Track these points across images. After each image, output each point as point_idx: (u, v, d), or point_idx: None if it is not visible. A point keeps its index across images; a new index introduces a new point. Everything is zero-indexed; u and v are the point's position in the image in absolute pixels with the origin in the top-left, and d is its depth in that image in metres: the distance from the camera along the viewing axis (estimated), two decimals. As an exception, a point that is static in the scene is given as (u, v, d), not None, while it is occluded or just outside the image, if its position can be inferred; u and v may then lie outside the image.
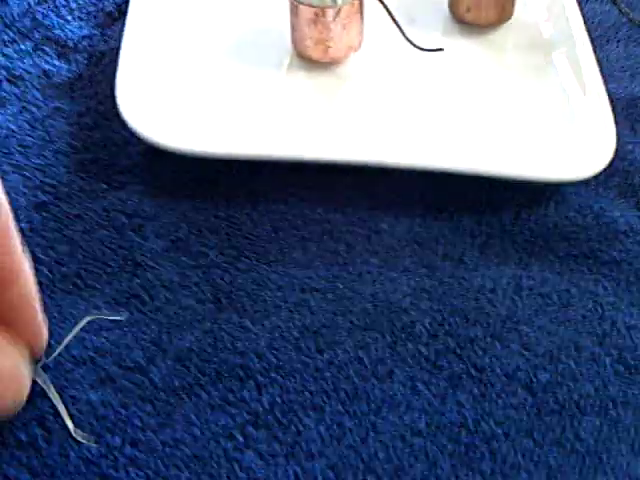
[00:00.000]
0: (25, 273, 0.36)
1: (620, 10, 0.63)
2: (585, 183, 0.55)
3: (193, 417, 0.43)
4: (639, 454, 0.44)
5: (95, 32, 0.62)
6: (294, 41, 0.58)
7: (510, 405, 0.45)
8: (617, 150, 0.56)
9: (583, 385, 0.46)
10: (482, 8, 0.62)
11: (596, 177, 0.55)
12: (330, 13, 0.55)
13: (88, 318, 0.43)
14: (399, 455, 0.43)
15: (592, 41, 0.62)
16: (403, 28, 0.60)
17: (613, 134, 0.54)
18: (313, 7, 0.55)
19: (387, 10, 0.58)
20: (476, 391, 0.46)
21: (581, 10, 0.64)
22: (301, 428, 0.43)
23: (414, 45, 0.59)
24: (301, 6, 0.56)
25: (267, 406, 0.44)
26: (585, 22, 0.63)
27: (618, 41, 0.66)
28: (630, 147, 0.58)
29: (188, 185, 0.52)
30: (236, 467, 0.42)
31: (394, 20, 0.59)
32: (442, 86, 0.58)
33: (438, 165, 0.52)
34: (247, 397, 0.44)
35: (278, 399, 0.44)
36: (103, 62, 0.60)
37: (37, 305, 0.38)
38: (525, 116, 0.57)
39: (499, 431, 0.44)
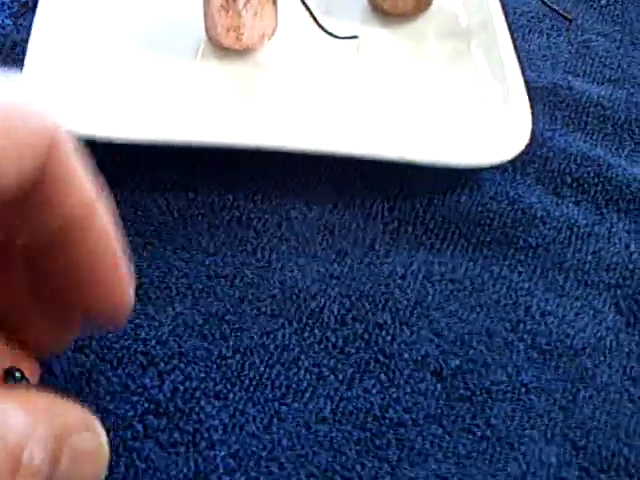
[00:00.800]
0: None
1: (548, 5, 0.63)
2: (502, 170, 0.55)
3: (92, 406, 0.42)
4: (551, 441, 0.43)
5: (8, 22, 0.60)
6: (207, 29, 0.57)
7: (418, 391, 0.44)
8: (536, 137, 0.55)
9: (495, 371, 0.46)
10: (401, -2, 0.61)
11: (514, 164, 0.55)
12: (240, 1, 0.54)
13: None
14: (303, 443, 0.42)
15: (515, 31, 0.62)
16: (319, 17, 0.59)
17: (528, 120, 0.54)
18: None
19: (301, -2, 0.57)
20: (383, 377, 0.45)
21: (504, 0, 0.63)
22: (202, 416, 0.42)
23: (328, 33, 0.58)
24: (212, -9, 0.55)
25: (168, 394, 0.43)
26: (508, 13, 0.63)
27: (540, 31, 0.66)
28: (549, 134, 0.57)
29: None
30: (134, 457, 0.40)
31: (306, 7, 0.58)
32: (358, 74, 0.58)
33: (350, 151, 0.51)
34: (148, 384, 0.43)
35: (180, 387, 0.43)
36: (16, 51, 0.58)
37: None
38: (440, 103, 0.57)
39: (406, 417, 0.43)
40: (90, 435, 0.31)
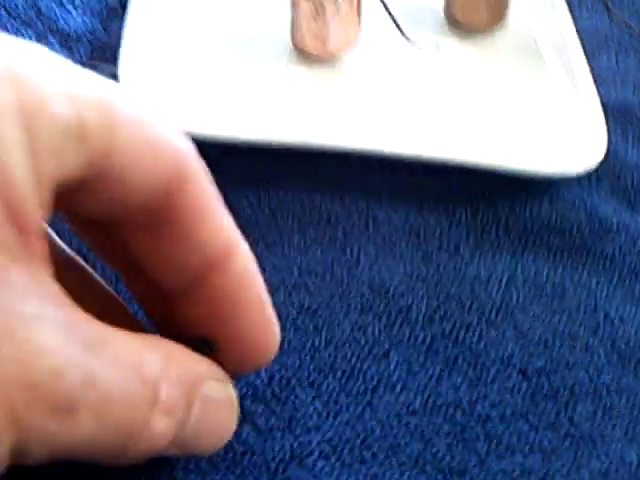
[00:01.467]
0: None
1: (611, 18, 0.64)
2: (578, 182, 0.56)
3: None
4: (632, 439, 0.45)
5: (98, 25, 0.62)
6: (293, 35, 0.59)
7: (505, 389, 0.46)
8: (609, 153, 0.57)
9: (577, 372, 0.47)
10: (473, 11, 0.62)
11: (589, 177, 0.56)
12: (329, 9, 0.56)
13: None
14: (395, 432, 0.43)
15: (585, 50, 0.63)
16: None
17: (604, 133, 0.55)
18: (312, 2, 0.56)
19: (386, 8, 0.59)
20: (471, 374, 0.46)
21: (574, 20, 0.65)
22: (298, 403, 0.43)
23: (411, 42, 0.60)
24: (301, 1, 0.57)
25: (266, 380, 0.44)
26: (579, 31, 0.64)
27: (609, 50, 0.67)
28: (622, 151, 0.59)
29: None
30: (233, 439, 0.41)
31: (392, 18, 0.60)
32: (438, 83, 0.59)
33: (436, 157, 0.53)
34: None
35: (276, 374, 0.44)
36: (106, 55, 0.60)
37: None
38: (519, 114, 0.58)
39: (494, 413, 0.45)
40: (220, 385, 0.31)
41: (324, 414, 0.43)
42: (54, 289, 0.25)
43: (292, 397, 0.44)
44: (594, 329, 0.49)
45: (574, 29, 0.63)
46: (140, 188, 0.28)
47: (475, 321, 0.48)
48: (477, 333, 0.48)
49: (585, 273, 0.51)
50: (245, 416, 0.42)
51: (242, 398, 0.43)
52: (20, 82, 0.24)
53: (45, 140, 0.24)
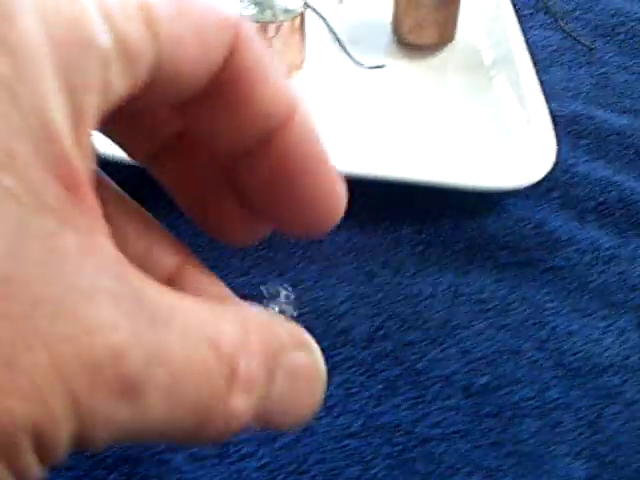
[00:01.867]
0: None
1: (565, 30, 0.64)
2: (527, 196, 0.55)
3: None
4: (579, 455, 0.44)
5: None
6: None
7: (447, 407, 0.45)
8: (559, 164, 0.56)
9: (522, 388, 0.46)
10: (423, 29, 0.62)
11: (538, 190, 0.56)
12: (271, 29, 0.56)
13: None
14: (333, 456, 0.42)
15: (537, 64, 0.63)
16: (349, 48, 0.61)
17: (553, 145, 0.55)
18: (254, 22, 0.56)
19: (329, 27, 0.59)
20: (413, 394, 0.45)
21: (526, 35, 0.64)
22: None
23: (356, 62, 0.59)
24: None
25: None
26: (530, 46, 0.64)
27: (561, 64, 0.67)
28: (572, 161, 0.58)
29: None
30: (166, 468, 0.41)
31: (336, 37, 0.59)
32: (385, 102, 0.59)
33: (378, 174, 0.52)
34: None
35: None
36: None
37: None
38: (466, 130, 0.58)
39: (435, 432, 0.44)
40: (305, 354, 0.28)
41: (260, 440, 0.42)
42: (112, 254, 0.22)
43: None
44: (540, 344, 0.48)
45: (524, 44, 0.63)
46: (194, 74, 0.26)
47: (417, 339, 0.47)
48: (419, 352, 0.47)
49: (532, 287, 0.51)
50: (178, 445, 0.42)
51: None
52: (43, 6, 0.21)
53: (84, 76, 0.22)
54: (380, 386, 0.45)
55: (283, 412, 0.26)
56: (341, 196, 0.29)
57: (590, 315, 0.50)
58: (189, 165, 0.30)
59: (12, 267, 0.20)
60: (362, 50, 0.63)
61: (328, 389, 0.43)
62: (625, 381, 0.47)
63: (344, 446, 0.43)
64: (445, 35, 0.63)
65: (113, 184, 0.30)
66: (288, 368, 0.26)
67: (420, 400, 0.45)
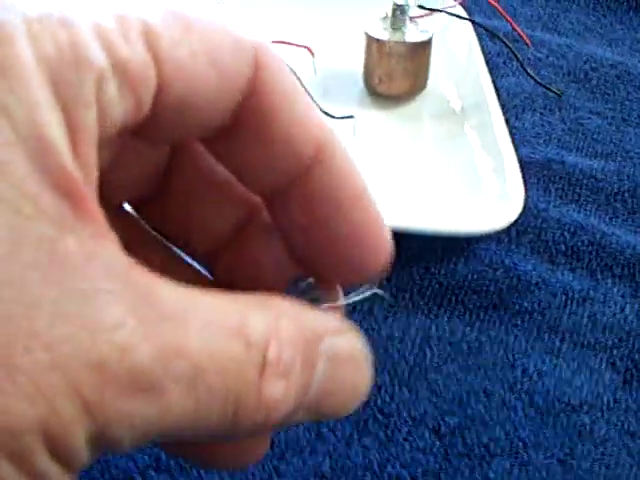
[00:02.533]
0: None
1: (533, 78, 0.65)
2: (498, 241, 0.56)
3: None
4: (550, 494, 0.44)
5: None
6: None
7: (417, 448, 0.45)
8: (530, 209, 0.57)
9: (493, 428, 0.46)
10: (394, 79, 0.63)
11: (509, 235, 0.56)
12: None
13: None
14: (302, 498, 0.42)
15: (509, 110, 0.64)
16: (316, 99, 0.61)
17: (521, 191, 0.56)
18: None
19: (297, 78, 0.59)
20: (382, 435, 0.45)
21: (499, 82, 0.66)
22: (202, 473, 0.43)
23: (325, 113, 0.60)
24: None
25: (169, 452, 0.43)
26: (502, 94, 0.65)
27: (534, 110, 0.68)
28: (543, 206, 0.59)
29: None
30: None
31: (304, 88, 0.60)
32: (355, 153, 0.59)
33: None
34: (150, 442, 0.43)
35: (181, 445, 0.44)
36: None
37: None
38: (436, 177, 0.58)
39: (405, 473, 0.44)
40: (346, 339, 0.27)
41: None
42: (116, 257, 0.22)
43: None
44: (511, 385, 0.48)
45: (493, 92, 0.64)
46: (212, 101, 0.25)
47: (387, 381, 0.48)
48: (389, 393, 0.47)
49: (502, 329, 0.51)
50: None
51: (146, 468, 0.42)
52: (37, 32, 0.21)
53: (77, 92, 0.21)
54: (350, 428, 0.45)
55: (330, 399, 0.26)
56: (385, 235, 0.28)
57: (561, 356, 0.50)
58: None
59: (7, 271, 0.19)
60: (333, 101, 0.64)
61: (297, 431, 0.43)
62: (596, 420, 0.47)
63: (313, 488, 0.43)
64: (416, 85, 0.64)
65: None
66: (329, 354, 0.25)
67: (390, 441, 0.45)
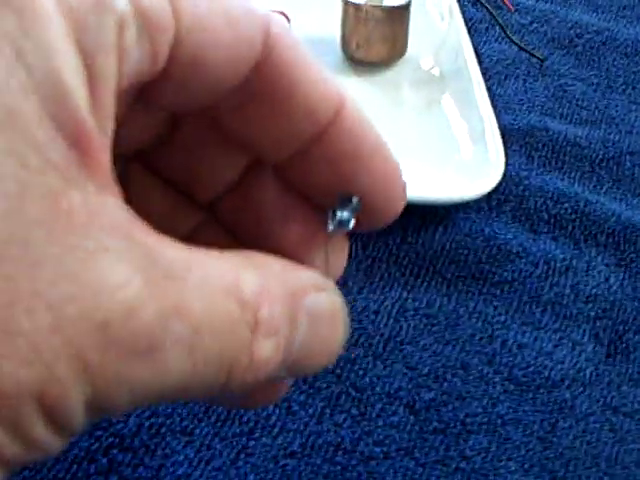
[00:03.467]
0: None
1: (515, 43, 0.63)
2: (478, 209, 0.54)
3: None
4: (529, 471, 0.42)
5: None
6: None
7: (390, 424, 0.43)
8: (512, 177, 0.55)
9: (470, 404, 0.45)
10: (371, 45, 0.61)
11: (489, 203, 0.54)
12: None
13: None
14: (271, 477, 0.41)
15: (491, 77, 0.62)
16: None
17: (501, 158, 0.54)
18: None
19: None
20: (355, 411, 0.44)
21: (481, 49, 0.64)
22: (168, 451, 0.41)
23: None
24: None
25: (134, 429, 0.42)
26: (484, 60, 0.63)
27: (517, 77, 0.66)
28: (525, 173, 0.57)
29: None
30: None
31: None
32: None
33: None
34: (113, 419, 0.42)
35: (146, 422, 0.42)
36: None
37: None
38: (415, 145, 0.57)
39: (378, 451, 0.42)
40: (326, 295, 0.27)
41: (195, 461, 0.41)
42: (121, 214, 0.21)
43: (162, 445, 0.41)
44: (489, 358, 0.47)
45: (474, 58, 0.62)
46: (227, 62, 0.24)
47: (361, 355, 0.46)
48: (363, 368, 0.45)
49: (481, 301, 0.49)
50: (111, 466, 0.40)
51: (108, 447, 0.41)
52: None
53: (98, 37, 0.21)
54: (321, 404, 0.44)
55: (308, 356, 0.26)
56: (402, 183, 0.29)
57: (542, 328, 0.49)
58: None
59: (11, 228, 0.19)
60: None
61: (267, 408, 0.42)
62: (577, 395, 0.46)
63: (283, 466, 0.41)
64: (394, 51, 0.62)
65: None
66: (310, 310, 0.25)
67: (362, 418, 0.43)
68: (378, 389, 0.45)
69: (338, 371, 0.45)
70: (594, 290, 0.51)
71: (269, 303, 0.23)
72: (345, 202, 0.28)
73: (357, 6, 0.61)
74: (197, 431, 0.42)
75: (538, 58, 0.65)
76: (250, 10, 0.25)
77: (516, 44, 0.64)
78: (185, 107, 0.26)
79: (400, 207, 0.29)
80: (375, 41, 0.61)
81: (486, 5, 0.64)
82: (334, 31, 0.64)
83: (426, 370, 0.46)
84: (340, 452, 0.42)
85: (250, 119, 0.27)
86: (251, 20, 0.24)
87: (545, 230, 0.54)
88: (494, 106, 0.60)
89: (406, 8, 0.61)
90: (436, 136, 0.57)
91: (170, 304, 0.21)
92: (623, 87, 0.66)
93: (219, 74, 0.24)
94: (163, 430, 0.42)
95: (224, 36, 0.24)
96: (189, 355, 0.21)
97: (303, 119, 0.26)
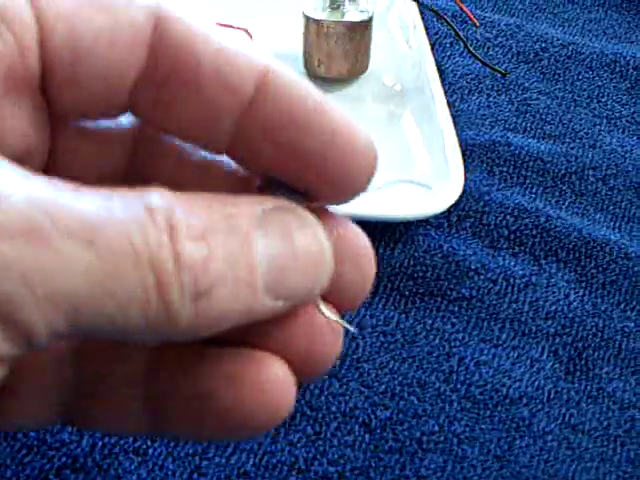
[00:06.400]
0: None
1: (476, 57, 0.63)
2: (437, 226, 0.54)
3: (7, 460, 0.41)
4: (485, 490, 0.42)
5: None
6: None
7: (345, 443, 0.43)
8: (472, 192, 0.55)
9: (426, 422, 0.44)
10: (333, 61, 0.61)
11: (449, 219, 0.54)
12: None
13: None
14: (223, 497, 0.41)
15: (454, 92, 0.62)
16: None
17: (460, 175, 0.54)
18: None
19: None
20: (310, 430, 0.43)
21: (444, 64, 0.64)
22: (120, 472, 0.41)
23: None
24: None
25: (87, 449, 0.41)
26: (447, 75, 0.63)
27: (480, 92, 0.66)
28: (486, 189, 0.57)
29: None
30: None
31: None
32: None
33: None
34: (66, 439, 0.41)
35: (99, 442, 0.42)
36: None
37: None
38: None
39: (332, 470, 0.42)
40: (294, 214, 0.25)
41: (147, 481, 0.41)
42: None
43: (115, 465, 0.41)
44: (446, 376, 0.46)
45: (435, 73, 0.62)
46: (111, 52, 0.24)
47: (317, 374, 0.46)
48: (318, 387, 0.45)
49: (439, 318, 0.49)
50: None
51: (61, 468, 0.41)
52: None
53: None
54: (276, 424, 0.43)
55: (290, 276, 0.24)
56: (362, 136, 0.27)
57: (500, 345, 0.48)
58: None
59: None
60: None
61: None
62: (535, 413, 0.45)
63: (235, 487, 0.41)
64: (356, 67, 0.62)
65: None
66: (275, 229, 0.24)
67: (317, 437, 0.43)
68: (334, 408, 0.44)
69: (294, 390, 0.45)
70: (554, 306, 0.51)
71: (184, 210, 0.22)
72: (277, 185, 0.26)
73: (318, 22, 0.60)
74: (150, 451, 0.42)
75: (500, 72, 0.65)
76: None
77: (478, 59, 0.64)
78: (97, 101, 0.25)
79: (365, 175, 0.27)
80: (336, 57, 0.61)
81: (446, 19, 0.64)
82: (297, 47, 0.63)
83: (382, 388, 0.45)
84: (294, 472, 0.42)
85: (171, 108, 0.25)
86: (130, 5, 0.24)
87: (505, 246, 0.54)
88: (456, 121, 0.60)
89: (368, 23, 0.61)
90: (396, 152, 0.57)
91: (53, 200, 0.20)
92: (587, 101, 0.66)
93: (107, 63, 0.24)
94: (116, 450, 0.42)
95: (98, 23, 0.23)
96: (89, 248, 0.20)
97: (219, 95, 0.25)
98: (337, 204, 0.28)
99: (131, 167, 0.28)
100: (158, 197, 0.22)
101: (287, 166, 0.26)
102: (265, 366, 0.25)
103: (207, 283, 0.22)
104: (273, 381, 0.25)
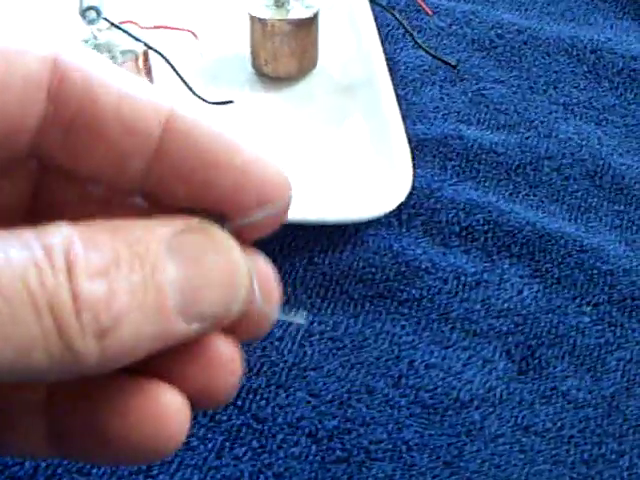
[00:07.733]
0: None
1: (424, 49, 0.62)
2: (387, 225, 0.53)
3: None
4: (434, 497, 0.42)
5: None
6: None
7: (291, 455, 0.42)
8: (423, 189, 0.54)
9: (374, 430, 0.44)
10: (280, 60, 0.60)
11: (399, 218, 0.53)
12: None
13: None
14: (167, 516, 0.40)
15: (407, 85, 0.61)
16: (205, 84, 0.59)
17: (409, 172, 0.53)
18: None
19: (170, 65, 0.56)
20: (255, 443, 0.43)
21: (397, 56, 0.63)
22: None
23: (201, 99, 0.57)
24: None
25: (30, 471, 0.41)
26: (399, 68, 0.62)
27: (433, 84, 0.65)
28: (437, 185, 0.56)
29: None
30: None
31: (178, 75, 0.57)
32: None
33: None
34: (9, 462, 0.41)
35: (42, 464, 0.41)
36: None
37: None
38: (322, 161, 0.56)
39: (278, 483, 0.41)
40: (203, 234, 0.25)
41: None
42: None
43: (59, 486, 0.41)
44: (395, 381, 0.46)
45: (385, 67, 0.61)
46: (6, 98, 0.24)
47: (264, 385, 0.45)
48: (265, 398, 0.45)
49: (389, 320, 0.48)
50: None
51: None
52: None
53: None
54: (221, 438, 0.43)
55: (205, 296, 0.24)
56: (271, 167, 0.27)
57: (451, 346, 0.48)
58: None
59: None
60: (221, 85, 0.61)
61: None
62: (487, 416, 0.45)
63: (180, 504, 0.40)
64: (304, 64, 0.61)
65: None
66: (182, 252, 0.24)
67: (263, 450, 0.43)
68: (280, 419, 0.44)
69: (239, 402, 0.44)
70: (506, 304, 0.50)
71: (82, 247, 0.22)
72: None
73: (263, 21, 0.59)
74: (94, 471, 0.41)
75: (450, 65, 0.64)
76: (25, 45, 0.24)
77: (427, 51, 0.63)
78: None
79: (280, 207, 0.27)
80: (283, 56, 0.60)
81: (392, 12, 0.63)
82: (245, 47, 0.63)
83: (330, 397, 0.45)
84: (239, 487, 0.41)
85: (77, 153, 0.25)
86: (25, 53, 0.24)
87: (456, 243, 0.53)
88: (408, 115, 0.59)
89: (313, 20, 0.60)
90: (344, 151, 0.56)
91: None
92: (544, 88, 0.65)
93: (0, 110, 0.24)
94: (60, 471, 0.41)
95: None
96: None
97: (124, 140, 0.25)
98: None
99: (36, 199, 0.28)
100: (56, 234, 0.22)
101: (201, 201, 0.25)
102: (157, 397, 0.25)
103: (110, 319, 0.22)
104: (164, 413, 0.25)
